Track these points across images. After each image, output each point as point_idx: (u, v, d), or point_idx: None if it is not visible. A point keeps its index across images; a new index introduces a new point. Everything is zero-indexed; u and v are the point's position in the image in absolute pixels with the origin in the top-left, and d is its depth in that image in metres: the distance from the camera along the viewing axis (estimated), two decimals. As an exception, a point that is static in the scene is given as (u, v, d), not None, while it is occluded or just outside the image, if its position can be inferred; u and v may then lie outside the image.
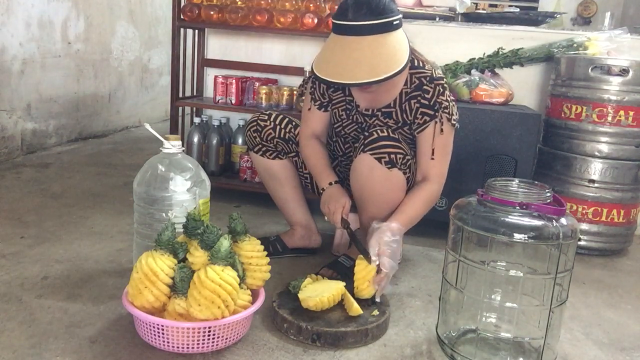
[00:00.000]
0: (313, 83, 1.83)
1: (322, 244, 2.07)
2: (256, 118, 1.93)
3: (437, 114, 1.68)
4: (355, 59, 1.49)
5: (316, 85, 1.82)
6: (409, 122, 1.74)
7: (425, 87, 1.69)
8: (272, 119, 1.91)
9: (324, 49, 1.58)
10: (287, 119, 1.93)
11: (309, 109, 1.86)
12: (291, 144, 1.92)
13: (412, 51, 1.74)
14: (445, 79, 1.73)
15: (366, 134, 1.69)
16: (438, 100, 1.68)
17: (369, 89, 1.63)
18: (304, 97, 1.94)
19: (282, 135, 1.91)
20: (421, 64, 1.73)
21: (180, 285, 1.30)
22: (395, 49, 1.52)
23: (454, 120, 1.71)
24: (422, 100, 1.69)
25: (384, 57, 1.49)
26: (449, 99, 1.70)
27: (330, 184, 1.76)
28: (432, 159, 1.70)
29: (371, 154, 1.64)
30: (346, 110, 1.82)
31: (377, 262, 1.51)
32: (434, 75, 1.70)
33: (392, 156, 1.63)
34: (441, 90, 1.69)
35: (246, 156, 2.61)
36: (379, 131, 1.66)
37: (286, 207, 2.01)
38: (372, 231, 1.58)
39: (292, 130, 1.92)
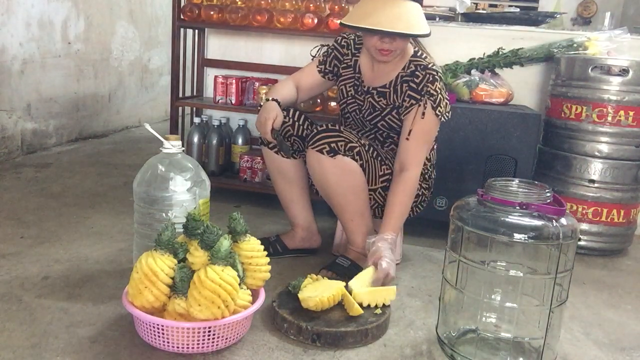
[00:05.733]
0: (327, 51, 1.98)
1: (322, 244, 2.07)
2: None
3: (422, 99, 1.78)
4: (395, 15, 1.67)
5: (328, 54, 1.97)
6: (397, 104, 1.84)
7: (417, 72, 1.81)
8: (290, 115, 1.92)
9: (361, 8, 1.73)
10: (304, 116, 1.95)
11: (310, 66, 2.00)
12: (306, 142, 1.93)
13: (419, 42, 1.91)
14: (439, 72, 1.81)
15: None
16: (426, 86, 1.78)
17: (393, 44, 1.73)
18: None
19: (299, 133, 1.92)
20: (422, 54, 1.86)
21: (180, 285, 1.30)
22: (423, 18, 1.73)
23: (439, 112, 1.78)
24: (412, 84, 1.81)
25: (417, 19, 1.71)
26: (438, 90, 1.78)
27: (267, 99, 1.86)
28: (407, 139, 1.78)
29: (312, 148, 1.74)
30: (354, 87, 1.94)
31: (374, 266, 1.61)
32: (428, 65, 1.81)
33: (333, 145, 1.73)
34: (430, 78, 1.78)
35: (246, 156, 2.61)
36: (319, 127, 1.78)
37: (291, 207, 2.01)
38: (369, 247, 1.68)
39: (309, 127, 1.93)
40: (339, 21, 1.99)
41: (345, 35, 1.98)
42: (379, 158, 1.85)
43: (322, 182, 1.79)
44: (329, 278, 1.69)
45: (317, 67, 1.99)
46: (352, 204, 1.80)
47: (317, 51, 2.04)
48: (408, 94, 1.81)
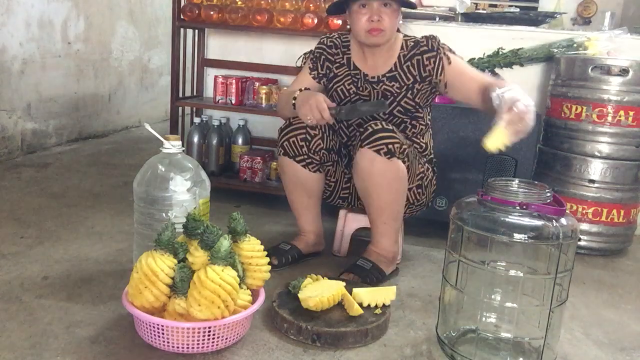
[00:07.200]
0: (314, 55, 1.95)
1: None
2: (305, 125, 1.82)
3: (439, 50, 1.83)
4: None
5: (317, 57, 1.94)
6: (418, 79, 1.84)
7: (419, 43, 1.86)
8: (320, 127, 1.84)
9: None
10: (327, 125, 1.85)
11: (303, 75, 1.97)
12: (332, 153, 1.90)
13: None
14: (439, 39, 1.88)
15: (361, 129, 1.74)
16: (434, 42, 1.84)
17: (382, 22, 1.73)
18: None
19: (328, 146, 1.87)
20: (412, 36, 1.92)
21: (180, 285, 1.30)
22: None
23: (452, 50, 1.86)
24: (422, 48, 1.84)
25: None
26: (444, 44, 1.86)
27: (300, 90, 1.79)
28: (473, 80, 1.78)
29: (369, 147, 1.69)
30: (354, 83, 1.90)
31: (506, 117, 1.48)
32: (427, 35, 1.88)
33: (390, 146, 1.69)
34: (434, 37, 1.86)
35: (246, 156, 2.60)
36: (373, 125, 1.72)
37: (305, 215, 1.97)
38: (499, 97, 1.52)
39: (334, 136, 1.90)
40: (325, 34, 1.99)
41: (328, 35, 1.96)
42: (417, 157, 1.86)
43: (368, 182, 1.73)
44: (352, 281, 1.69)
45: (310, 73, 1.94)
46: (391, 209, 1.78)
47: (303, 60, 2.00)
48: (426, 57, 1.83)
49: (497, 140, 1.46)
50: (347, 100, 1.91)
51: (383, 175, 1.71)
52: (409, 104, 1.86)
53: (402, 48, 1.86)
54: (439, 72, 1.82)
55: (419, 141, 1.93)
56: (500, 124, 1.48)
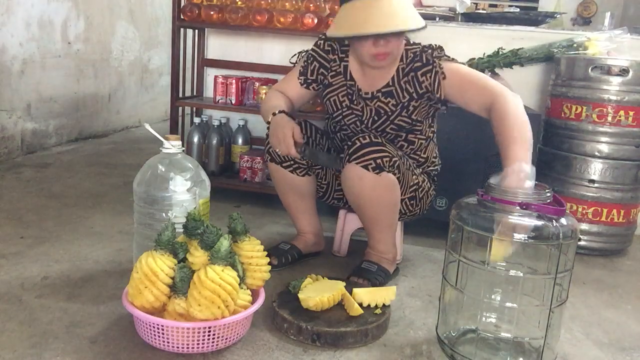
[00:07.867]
0: (307, 58, 1.87)
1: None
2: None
3: (434, 63, 1.71)
4: (386, 13, 1.56)
5: (309, 63, 1.86)
6: (415, 96, 1.75)
7: (416, 55, 1.74)
8: (304, 129, 1.83)
9: (342, 16, 1.63)
10: (314, 127, 1.87)
11: (291, 77, 1.90)
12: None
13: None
14: (439, 46, 1.76)
15: (349, 143, 1.69)
16: (429, 56, 1.72)
17: (388, 45, 1.63)
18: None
19: (315, 150, 1.84)
20: (413, 42, 1.79)
21: (180, 285, 1.30)
22: (413, 9, 1.64)
23: (456, 61, 1.74)
24: (417, 64, 1.73)
25: (410, 13, 1.61)
26: (440, 52, 1.74)
27: (274, 114, 1.73)
28: (471, 97, 1.68)
29: (357, 163, 1.64)
30: (348, 96, 1.82)
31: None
32: (426, 45, 1.76)
33: (379, 161, 1.63)
34: (428, 49, 1.73)
35: (246, 156, 2.60)
36: (361, 139, 1.66)
37: (301, 217, 1.97)
38: (502, 179, 1.40)
39: (321, 139, 1.88)
40: (323, 34, 1.88)
41: (325, 37, 1.84)
42: (411, 168, 1.80)
43: (359, 197, 1.70)
44: (361, 285, 1.68)
45: (298, 78, 1.87)
46: (385, 219, 1.76)
47: (298, 58, 1.91)
48: (420, 73, 1.72)
49: (498, 252, 1.34)
50: (339, 113, 1.84)
51: (373, 190, 1.67)
52: (404, 121, 1.79)
53: (401, 60, 1.75)
54: (436, 88, 1.71)
55: (417, 157, 1.88)
56: (496, 234, 1.33)
